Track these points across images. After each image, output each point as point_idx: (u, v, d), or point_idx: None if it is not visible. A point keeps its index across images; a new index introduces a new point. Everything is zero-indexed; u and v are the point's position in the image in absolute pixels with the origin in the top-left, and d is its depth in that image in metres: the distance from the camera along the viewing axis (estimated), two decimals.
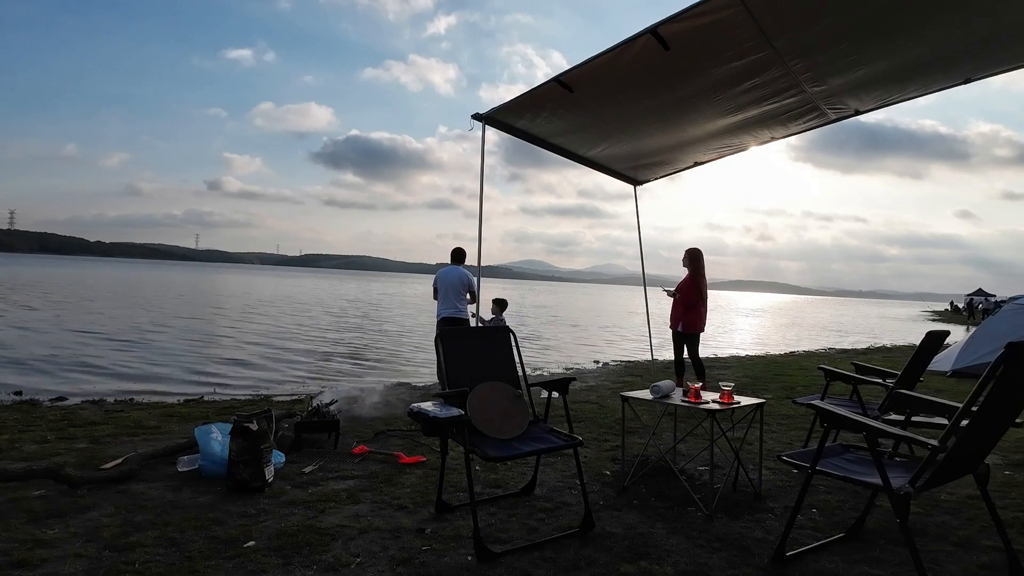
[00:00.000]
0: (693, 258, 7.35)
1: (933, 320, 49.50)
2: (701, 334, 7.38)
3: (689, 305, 7.21)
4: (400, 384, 9.52)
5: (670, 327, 7.45)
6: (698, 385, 3.96)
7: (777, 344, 21.11)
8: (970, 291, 68.29)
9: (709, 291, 7.45)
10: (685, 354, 7.39)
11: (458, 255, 7.60)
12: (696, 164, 6.95)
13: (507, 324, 8.05)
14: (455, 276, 7.40)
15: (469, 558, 3.01)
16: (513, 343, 3.91)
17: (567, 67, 4.76)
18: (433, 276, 7.75)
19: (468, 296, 7.33)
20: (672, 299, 7.39)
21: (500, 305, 8.06)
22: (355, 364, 12.44)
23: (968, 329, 25.12)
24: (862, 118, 5.50)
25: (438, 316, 7.37)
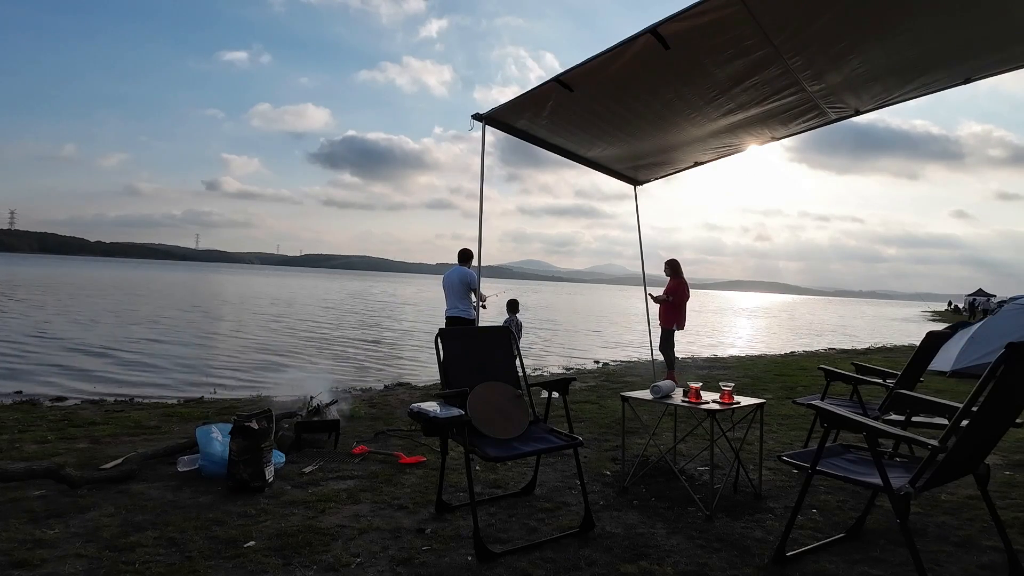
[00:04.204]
0: (675, 267, 8.58)
1: (933, 320, 49.49)
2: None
3: (679, 305, 8.46)
4: (400, 384, 9.54)
5: (664, 327, 8.52)
6: (698, 385, 3.96)
7: (777, 344, 21.12)
8: (969, 291, 68.38)
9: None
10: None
11: (463, 255, 7.63)
12: (696, 164, 6.95)
13: (521, 323, 8.17)
14: (456, 276, 7.43)
15: (469, 558, 3.01)
16: (513, 343, 3.91)
17: (560, 68, 4.77)
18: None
19: (472, 295, 7.34)
20: (659, 303, 8.50)
21: (512, 307, 8.16)
22: (355, 364, 12.44)
23: None
24: (854, 119, 5.49)
25: (445, 316, 7.45)
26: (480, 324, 6.90)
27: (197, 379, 9.85)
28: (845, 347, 19.78)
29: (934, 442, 2.59)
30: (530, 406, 3.69)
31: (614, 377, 10.27)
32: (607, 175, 7.25)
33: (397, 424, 5.83)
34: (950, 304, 69.82)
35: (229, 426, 4.06)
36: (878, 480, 2.60)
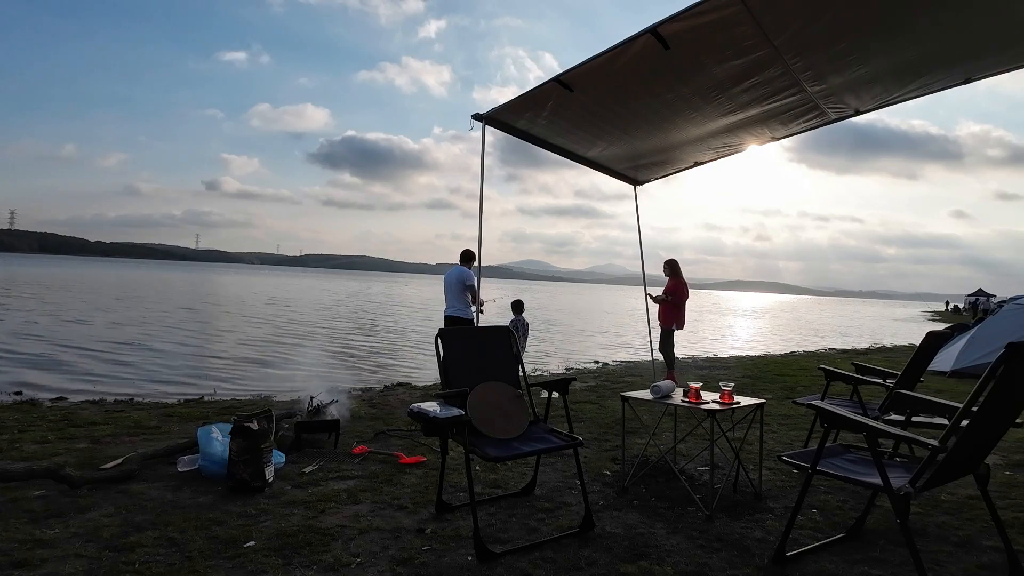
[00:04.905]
0: (674, 267, 8.62)
1: (933, 320, 49.48)
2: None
3: (679, 305, 8.47)
4: (400, 384, 9.53)
5: (664, 326, 8.54)
6: (698, 385, 3.96)
7: (777, 344, 21.12)
8: (969, 291, 68.54)
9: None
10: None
11: (465, 256, 7.65)
12: (696, 164, 6.94)
13: (528, 324, 8.22)
14: (453, 276, 7.45)
15: (469, 558, 3.01)
16: (513, 342, 3.91)
17: (559, 68, 4.77)
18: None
19: (470, 295, 7.35)
20: (659, 303, 8.51)
21: (517, 307, 8.21)
22: (354, 364, 12.44)
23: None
24: (853, 119, 5.48)
25: (444, 316, 7.47)
26: (479, 324, 6.90)
27: (197, 379, 9.84)
28: (845, 347, 19.78)
29: (934, 442, 2.59)
30: (530, 406, 3.70)
31: (614, 377, 10.27)
32: (607, 175, 7.25)
33: (397, 424, 5.83)
34: (947, 304, 70.02)
35: (229, 426, 4.06)
36: (878, 480, 2.60)
